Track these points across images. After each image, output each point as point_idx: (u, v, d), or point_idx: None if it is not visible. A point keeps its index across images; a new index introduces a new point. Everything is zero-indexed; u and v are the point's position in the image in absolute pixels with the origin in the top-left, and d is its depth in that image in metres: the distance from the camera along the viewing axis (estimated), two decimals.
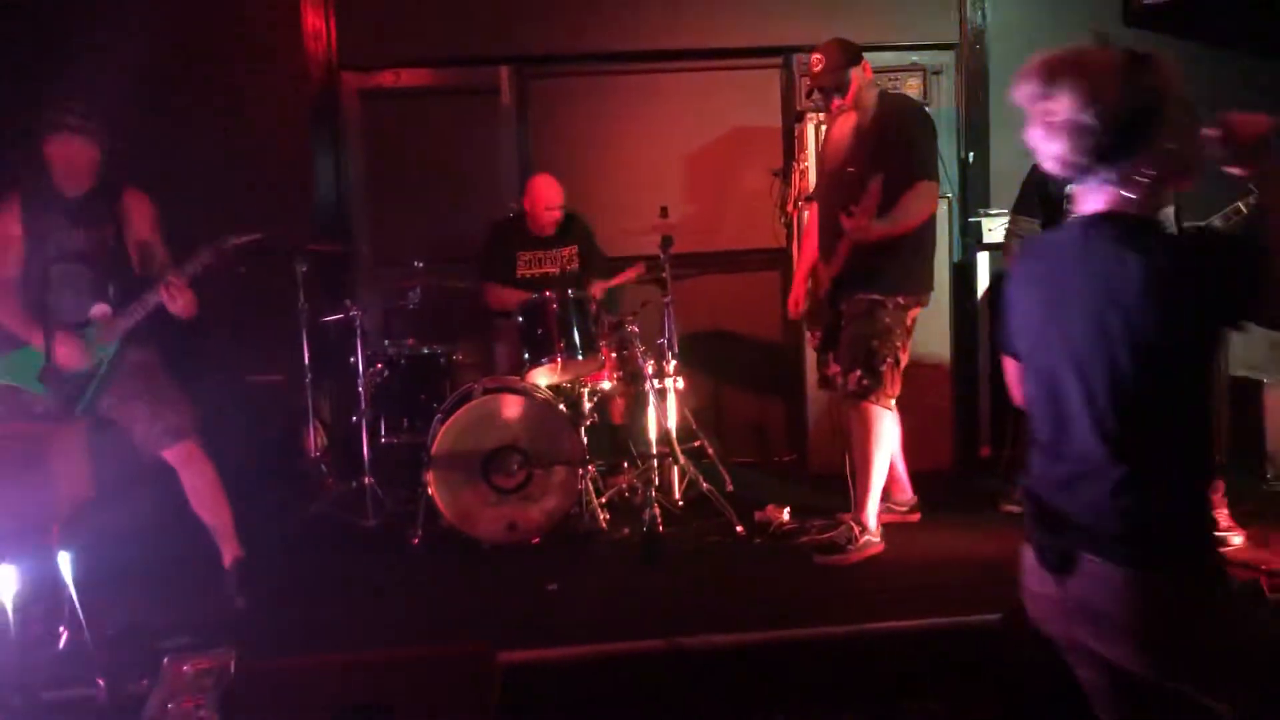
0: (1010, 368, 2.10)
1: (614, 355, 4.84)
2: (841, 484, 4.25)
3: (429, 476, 4.33)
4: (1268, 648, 1.80)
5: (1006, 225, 4.51)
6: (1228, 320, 1.77)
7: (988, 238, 5.38)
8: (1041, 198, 4.28)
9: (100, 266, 3.72)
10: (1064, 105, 1.76)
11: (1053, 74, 1.78)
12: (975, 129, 5.72)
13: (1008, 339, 2.05)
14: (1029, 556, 1.94)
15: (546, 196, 5.14)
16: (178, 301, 3.64)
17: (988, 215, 5.43)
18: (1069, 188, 4.22)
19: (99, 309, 3.70)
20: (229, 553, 3.87)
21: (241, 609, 3.74)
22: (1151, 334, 1.73)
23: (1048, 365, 1.87)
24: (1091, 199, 1.86)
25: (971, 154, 5.70)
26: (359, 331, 4.84)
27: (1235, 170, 1.84)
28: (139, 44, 5.06)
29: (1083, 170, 1.83)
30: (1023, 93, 1.83)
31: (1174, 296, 1.72)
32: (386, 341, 5.01)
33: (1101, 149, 1.77)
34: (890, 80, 5.28)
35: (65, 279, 3.69)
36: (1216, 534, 1.88)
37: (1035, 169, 4.36)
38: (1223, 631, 1.77)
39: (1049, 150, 1.82)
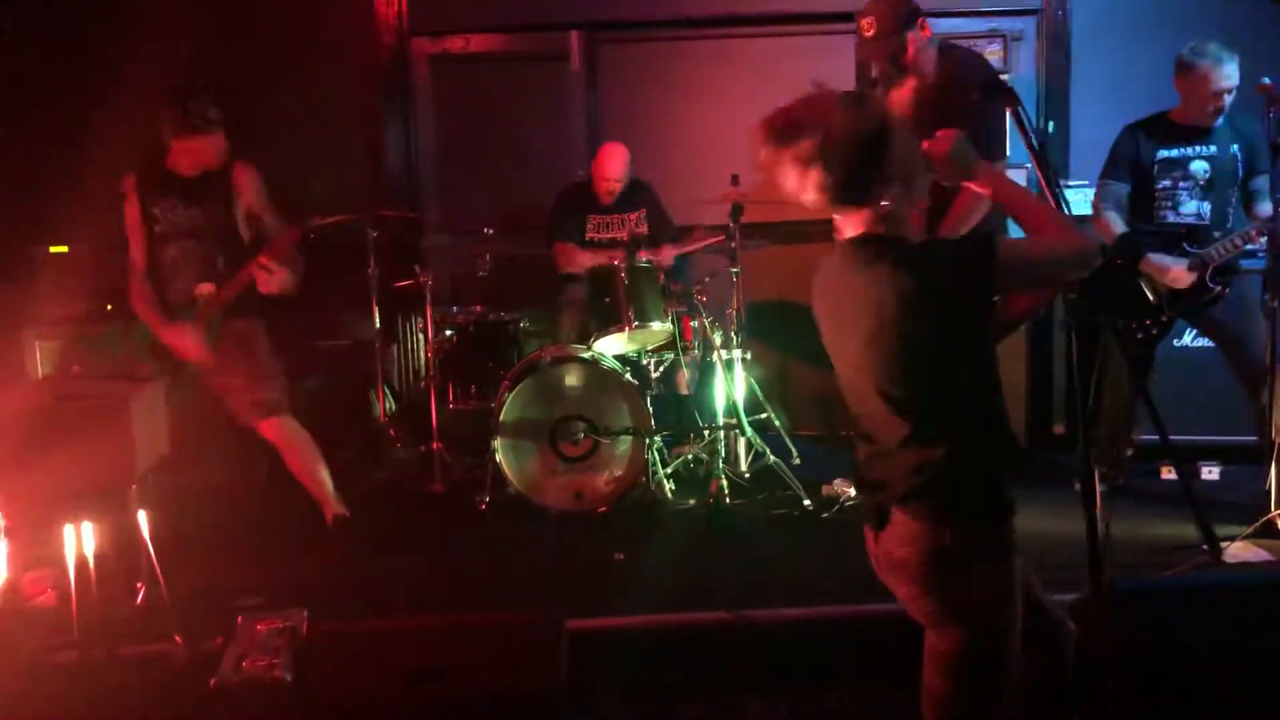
0: None
1: (681, 325, 4.80)
2: None
3: (496, 444, 4.35)
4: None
5: (1096, 190, 4.36)
6: (972, 313, 2.00)
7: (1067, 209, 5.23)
8: (1132, 163, 4.16)
9: (210, 242, 3.85)
10: (804, 151, 1.97)
11: (790, 126, 1.99)
12: (1056, 97, 5.56)
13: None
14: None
15: (607, 168, 5.10)
16: (271, 282, 3.74)
17: (1067, 187, 5.27)
18: (1160, 154, 4.11)
19: (203, 287, 3.81)
20: (329, 511, 3.96)
21: (338, 561, 3.82)
22: (913, 337, 1.96)
23: (844, 369, 2.13)
24: (849, 224, 2.06)
25: (1051, 123, 5.54)
26: (428, 298, 4.86)
27: (962, 184, 2.21)
28: (208, 12, 5.10)
29: (836, 203, 2.02)
30: (764, 149, 2.04)
31: (925, 303, 1.94)
32: (455, 308, 5.03)
33: (844, 184, 1.98)
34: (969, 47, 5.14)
35: (179, 256, 3.85)
36: (1001, 498, 2.10)
37: (1126, 134, 4.22)
38: (988, 582, 2.03)
39: (802, 194, 2.02)
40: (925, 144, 2.11)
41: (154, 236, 3.85)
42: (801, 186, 2.02)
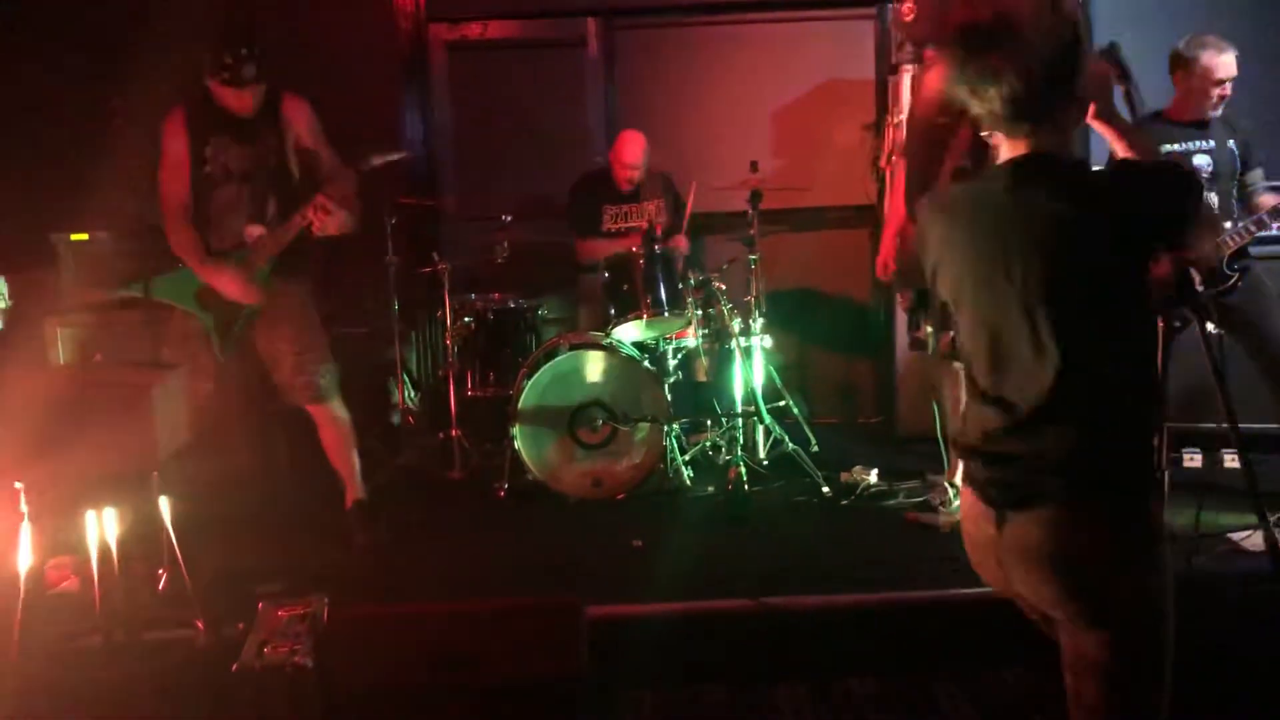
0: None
1: (700, 312, 4.79)
2: (929, 447, 4.18)
3: (514, 431, 4.35)
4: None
5: None
6: (1171, 238, 1.79)
7: None
8: None
9: (262, 183, 3.70)
10: (1001, 60, 1.71)
11: (990, 28, 1.72)
12: None
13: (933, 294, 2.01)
14: (969, 501, 1.89)
15: (625, 155, 5.10)
16: (328, 222, 3.58)
17: (1092, 169, 5.23)
18: (1163, 149, 4.09)
19: (253, 229, 3.69)
20: (350, 495, 3.96)
21: (361, 547, 3.83)
22: (1101, 265, 1.70)
23: (991, 317, 1.80)
24: (1018, 144, 1.80)
25: None
26: (446, 285, 4.86)
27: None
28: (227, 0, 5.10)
29: (1016, 119, 1.77)
30: (951, 54, 1.78)
31: (1122, 220, 1.70)
32: (473, 295, 5.03)
33: (1036, 97, 1.73)
34: None
35: (229, 198, 3.69)
36: (1156, 476, 1.88)
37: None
38: (1149, 574, 1.75)
39: (983, 106, 1.77)
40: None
41: (201, 178, 3.66)
42: (980, 98, 1.76)
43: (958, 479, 3.93)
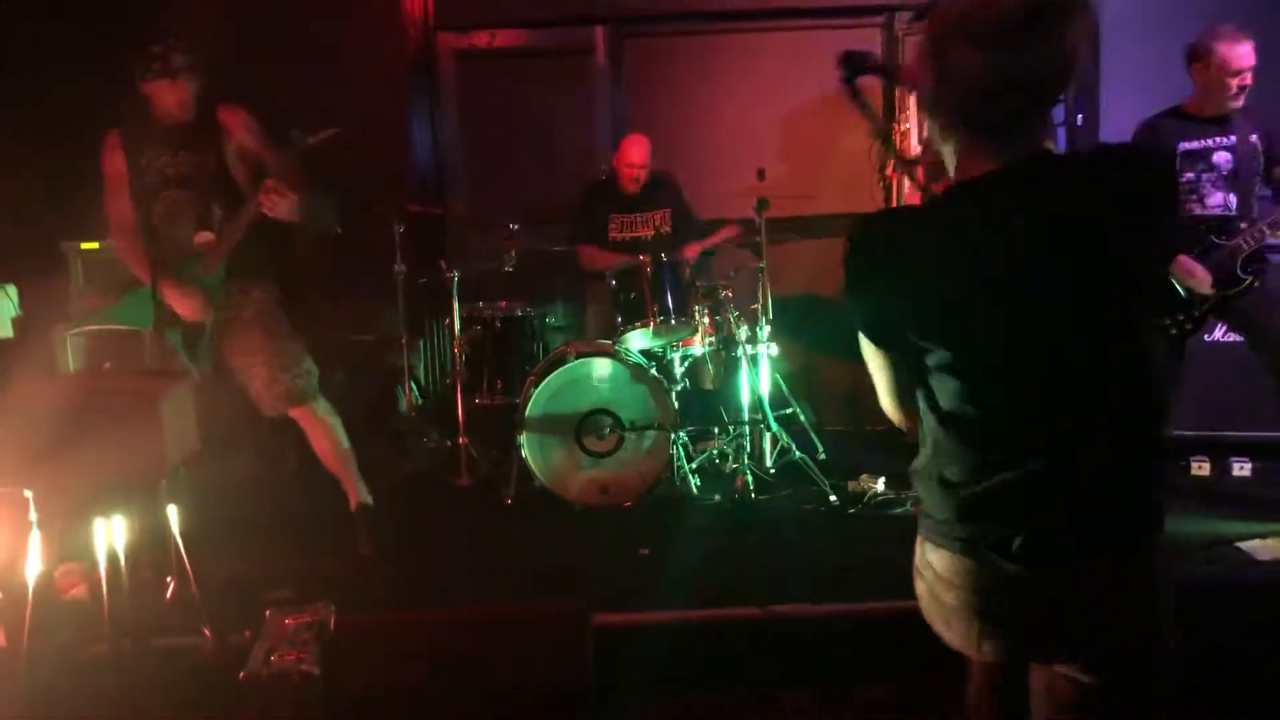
0: (886, 371, 1.68)
1: (707, 320, 4.79)
2: None
3: (521, 438, 4.36)
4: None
5: None
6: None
7: None
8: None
9: (203, 190, 3.66)
10: (1050, 51, 1.48)
11: (1035, 16, 1.46)
12: (1085, 89, 5.49)
13: (911, 335, 1.58)
14: (958, 567, 1.60)
15: (629, 155, 5.11)
16: (278, 205, 3.51)
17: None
18: (1181, 146, 4.08)
19: (202, 236, 3.66)
20: (353, 499, 3.91)
21: (367, 554, 3.80)
22: (1134, 263, 1.50)
23: (1003, 348, 1.53)
24: (1013, 147, 1.53)
25: (1080, 115, 5.48)
26: (454, 293, 4.87)
27: None
28: (235, 8, 5.11)
29: (1027, 117, 1.53)
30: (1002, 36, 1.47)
31: (1149, 214, 1.52)
32: (481, 303, 5.04)
33: (1057, 90, 1.54)
34: None
35: (172, 208, 3.66)
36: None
37: (1144, 128, 4.18)
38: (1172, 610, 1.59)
39: (1009, 104, 1.50)
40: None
41: (143, 190, 3.63)
42: (1012, 93, 1.52)
43: None
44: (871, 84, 2.02)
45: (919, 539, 1.70)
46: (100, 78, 4.69)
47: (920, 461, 1.66)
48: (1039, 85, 1.51)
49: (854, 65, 1.79)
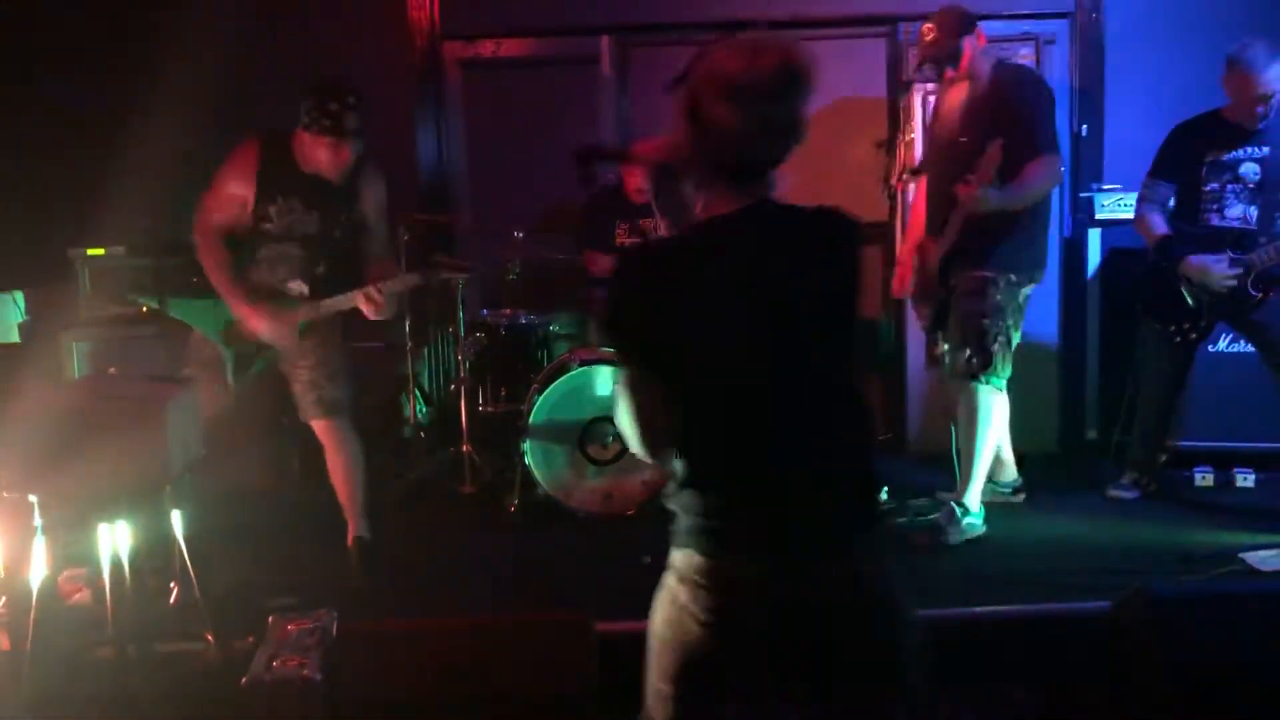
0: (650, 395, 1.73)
1: None
2: (940, 465, 4.18)
3: (525, 446, 4.36)
4: None
5: (1140, 190, 4.29)
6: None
7: (1100, 214, 5.19)
8: (1179, 164, 4.09)
9: (321, 248, 3.62)
10: (795, 110, 1.71)
11: (788, 82, 1.70)
12: (1089, 101, 5.51)
13: (660, 360, 1.71)
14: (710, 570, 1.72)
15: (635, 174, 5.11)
16: (372, 311, 3.56)
17: (1101, 190, 5.23)
18: (1209, 155, 4.05)
19: (296, 285, 3.61)
20: (352, 530, 3.86)
21: (360, 588, 3.71)
22: (846, 302, 1.75)
23: (752, 374, 1.69)
24: (749, 192, 1.73)
25: (1085, 126, 5.49)
26: (459, 301, 4.88)
27: None
28: (241, 15, 5.14)
29: (766, 167, 1.75)
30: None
31: (838, 266, 1.77)
32: (485, 311, 5.06)
33: (794, 144, 1.74)
34: (1001, 50, 5.10)
35: (282, 254, 3.59)
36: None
37: (1176, 133, 4.15)
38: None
39: (758, 153, 1.72)
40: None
41: (259, 231, 3.54)
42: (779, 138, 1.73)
43: (969, 498, 3.94)
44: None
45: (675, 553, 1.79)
46: (108, 85, 4.73)
47: (672, 485, 1.78)
48: (784, 138, 1.72)
49: (586, 158, 2.11)
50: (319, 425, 3.76)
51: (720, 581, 1.70)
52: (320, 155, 3.47)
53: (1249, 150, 4.01)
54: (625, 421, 1.75)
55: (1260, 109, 3.91)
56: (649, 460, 1.77)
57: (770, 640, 1.70)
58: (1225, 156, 4.03)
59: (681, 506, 1.76)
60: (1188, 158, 4.07)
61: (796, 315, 1.70)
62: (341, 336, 3.80)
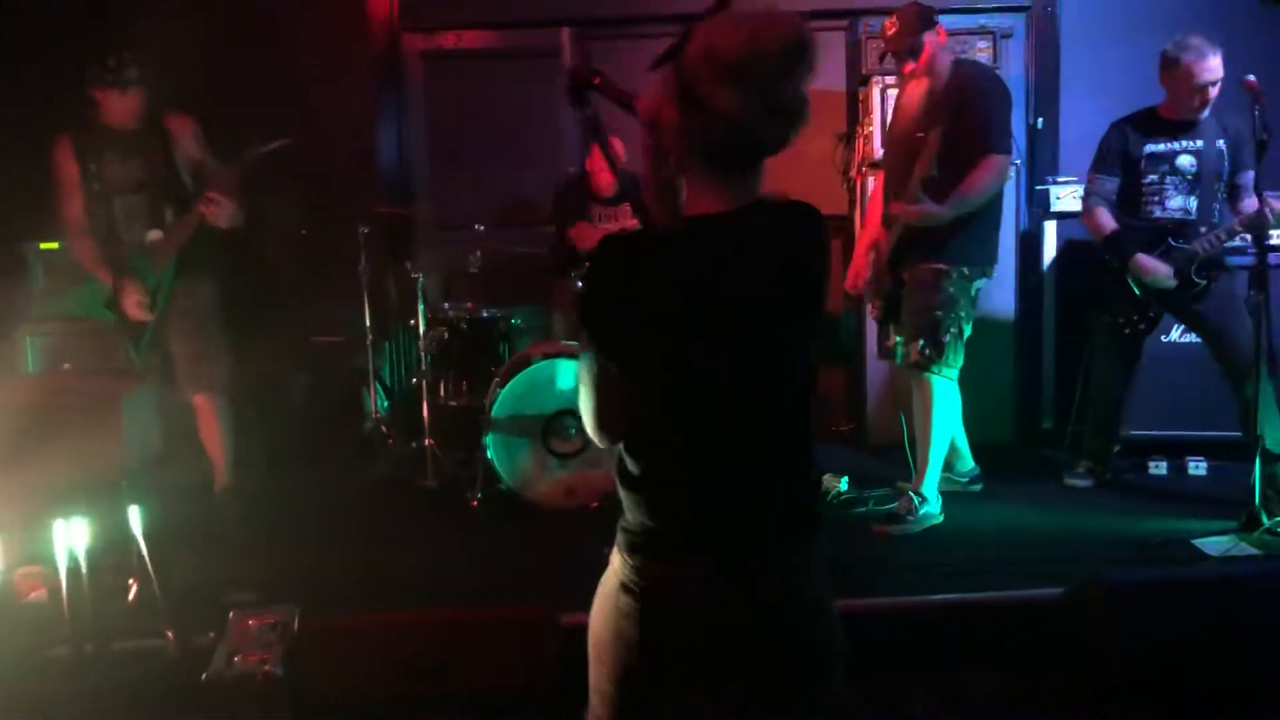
0: (611, 383, 1.67)
1: None
2: (900, 454, 4.22)
3: (487, 440, 4.36)
4: None
5: (1085, 186, 4.38)
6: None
7: (1055, 206, 5.27)
8: (1120, 158, 4.20)
9: (154, 194, 3.90)
10: (797, 95, 1.60)
11: (791, 63, 1.58)
12: (1045, 95, 5.58)
13: (640, 363, 1.64)
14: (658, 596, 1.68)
15: (601, 160, 5.12)
16: (220, 214, 3.79)
17: (1056, 183, 5.30)
18: (1146, 148, 4.17)
19: (153, 234, 3.89)
20: (219, 480, 4.10)
21: (228, 528, 3.95)
22: (813, 309, 1.70)
23: (709, 380, 1.63)
24: (741, 190, 1.65)
25: (1041, 120, 5.56)
26: (420, 294, 4.86)
27: None
28: (198, 7, 5.08)
29: (767, 152, 1.65)
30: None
31: (819, 261, 1.71)
32: (447, 304, 5.03)
33: (794, 134, 1.65)
34: (959, 43, 5.15)
35: (127, 211, 3.89)
36: None
37: (1113, 129, 4.25)
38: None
39: (754, 144, 1.63)
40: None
41: (94, 194, 3.87)
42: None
43: (926, 488, 3.99)
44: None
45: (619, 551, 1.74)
46: (56, 79, 4.66)
47: (624, 477, 1.74)
48: (788, 123, 1.61)
49: (581, 82, 1.83)
50: (197, 399, 3.99)
51: (658, 584, 1.67)
52: (112, 106, 3.81)
53: (1183, 143, 4.13)
54: (585, 405, 1.70)
55: (1198, 100, 4.02)
56: (602, 445, 1.74)
57: (704, 643, 1.68)
58: (1161, 149, 4.15)
59: (625, 504, 1.73)
60: (1126, 152, 4.19)
61: (764, 323, 1.64)
62: (218, 316, 4.04)
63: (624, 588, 1.71)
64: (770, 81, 1.55)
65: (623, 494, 1.74)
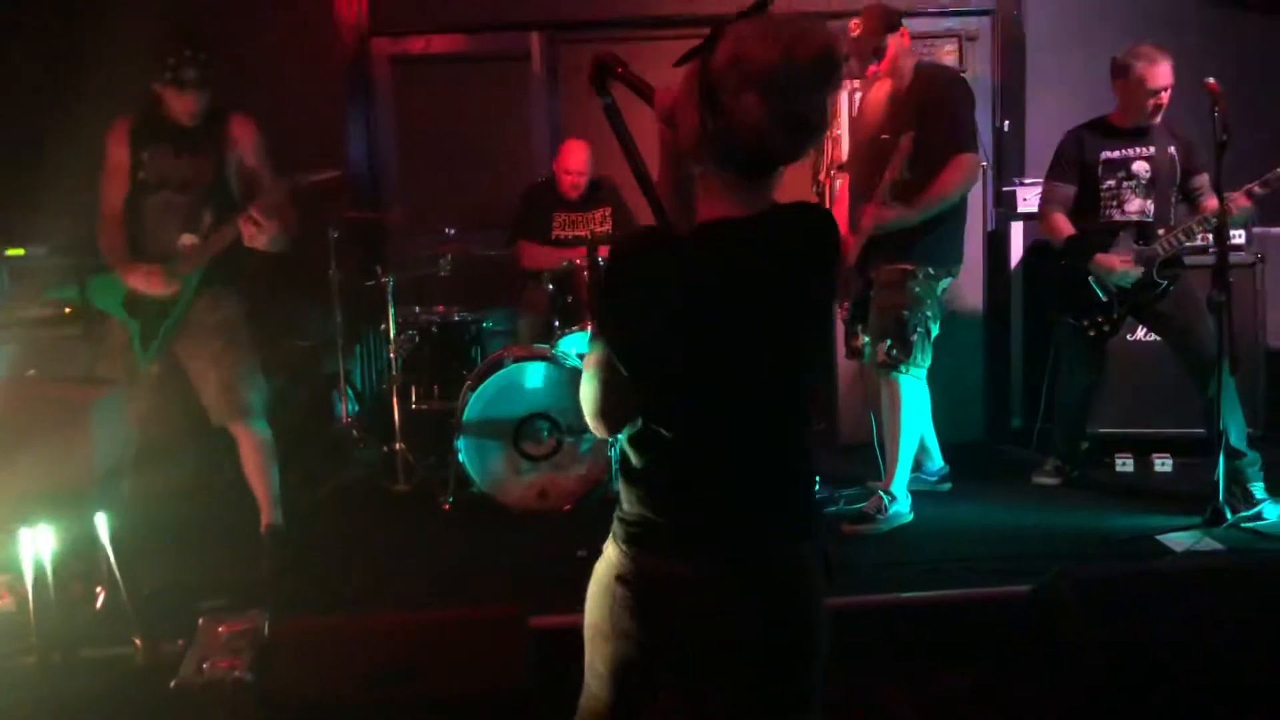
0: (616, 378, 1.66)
1: None
2: (870, 454, 4.25)
3: (459, 443, 4.35)
4: None
5: (1041, 193, 4.46)
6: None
7: (1022, 207, 5.32)
8: (1077, 164, 4.27)
9: (199, 196, 3.70)
10: (822, 107, 1.61)
11: (821, 75, 1.58)
12: (1011, 97, 5.65)
13: (650, 362, 1.64)
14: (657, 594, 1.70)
15: (568, 161, 5.12)
16: (257, 235, 3.60)
17: (1023, 184, 5.36)
18: (1102, 154, 4.24)
19: (186, 239, 3.69)
20: (265, 518, 3.87)
21: (267, 572, 3.72)
22: (823, 319, 1.77)
23: (717, 384, 1.65)
24: (757, 196, 1.66)
25: (1007, 122, 5.62)
26: (390, 298, 4.85)
27: None
28: (166, 12, 5.05)
29: (786, 161, 1.65)
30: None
31: (831, 261, 1.74)
32: (417, 308, 5.03)
33: (814, 143, 1.66)
34: (925, 46, 5.20)
35: (163, 207, 3.69)
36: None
37: (1069, 136, 4.32)
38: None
39: (775, 151, 1.62)
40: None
41: (138, 184, 3.68)
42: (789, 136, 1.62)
43: (895, 487, 4.02)
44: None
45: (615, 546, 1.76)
46: (27, 84, 4.62)
47: (626, 471, 1.75)
48: (811, 134, 1.61)
49: (604, 69, 1.85)
50: (235, 429, 3.79)
51: (655, 576, 1.69)
52: (172, 104, 3.66)
53: (1136, 149, 4.21)
54: (587, 395, 1.69)
55: (1151, 104, 4.09)
56: (600, 434, 1.75)
57: (697, 635, 1.69)
58: (1116, 156, 4.23)
59: (624, 498, 1.74)
60: (1084, 158, 4.27)
61: (777, 329, 1.65)
62: (248, 333, 3.84)
63: (620, 579, 1.72)
64: (797, 94, 1.55)
65: (623, 486, 1.75)
